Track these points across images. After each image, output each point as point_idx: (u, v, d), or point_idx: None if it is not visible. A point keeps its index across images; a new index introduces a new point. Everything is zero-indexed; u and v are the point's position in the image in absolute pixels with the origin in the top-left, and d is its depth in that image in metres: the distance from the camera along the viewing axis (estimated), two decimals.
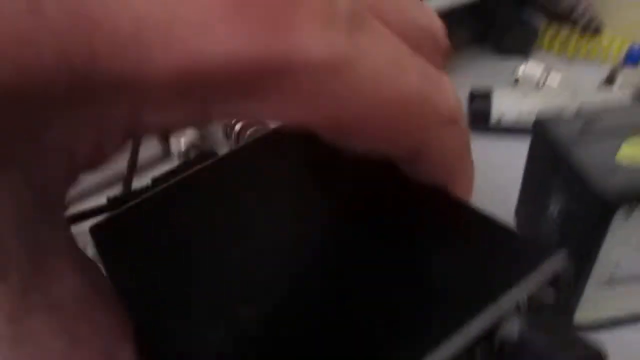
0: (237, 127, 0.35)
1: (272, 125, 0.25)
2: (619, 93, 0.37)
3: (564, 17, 0.42)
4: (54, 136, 0.11)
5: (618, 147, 0.24)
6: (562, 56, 0.45)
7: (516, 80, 0.41)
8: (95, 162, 0.12)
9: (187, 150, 0.36)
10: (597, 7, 0.48)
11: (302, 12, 0.10)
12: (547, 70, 0.40)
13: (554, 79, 0.40)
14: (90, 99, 0.10)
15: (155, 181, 0.28)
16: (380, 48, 0.12)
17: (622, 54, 0.42)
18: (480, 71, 0.44)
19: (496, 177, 0.34)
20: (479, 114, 0.37)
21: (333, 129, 0.12)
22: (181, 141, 0.36)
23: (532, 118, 0.28)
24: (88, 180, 0.34)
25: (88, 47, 0.09)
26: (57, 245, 0.12)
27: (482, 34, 0.41)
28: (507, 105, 0.36)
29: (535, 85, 0.40)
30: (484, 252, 0.13)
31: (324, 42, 0.10)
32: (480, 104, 0.37)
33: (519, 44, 0.44)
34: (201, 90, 0.10)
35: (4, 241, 0.11)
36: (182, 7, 0.09)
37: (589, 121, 0.25)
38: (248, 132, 0.34)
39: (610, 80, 0.39)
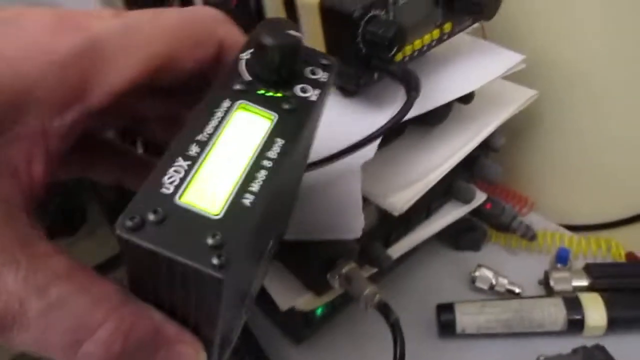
0: None
1: None
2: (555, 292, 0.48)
3: (504, 227, 0.52)
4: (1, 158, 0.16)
5: None
6: (507, 247, 0.55)
7: (473, 280, 0.50)
8: (34, 181, 0.17)
9: None
10: (529, 189, 0.60)
11: None
12: (496, 276, 0.50)
13: (503, 281, 0.50)
14: (9, 118, 0.16)
15: None
16: (138, 13, 0.19)
17: (556, 248, 0.53)
18: (441, 264, 0.54)
19: None
20: (447, 326, 0.46)
21: (162, 72, 0.19)
22: None
23: (490, 327, 0.41)
24: None
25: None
26: (38, 235, 0.16)
27: (439, 234, 0.50)
28: (467, 318, 0.46)
29: (489, 286, 0.50)
30: None
31: (103, 23, 0.18)
32: (446, 316, 0.46)
33: (472, 244, 0.54)
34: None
35: (4, 237, 0.15)
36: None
37: None
38: None
39: (546, 281, 0.49)
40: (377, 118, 0.36)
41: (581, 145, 0.54)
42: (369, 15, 0.31)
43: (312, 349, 0.47)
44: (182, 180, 0.17)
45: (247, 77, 0.20)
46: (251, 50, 0.20)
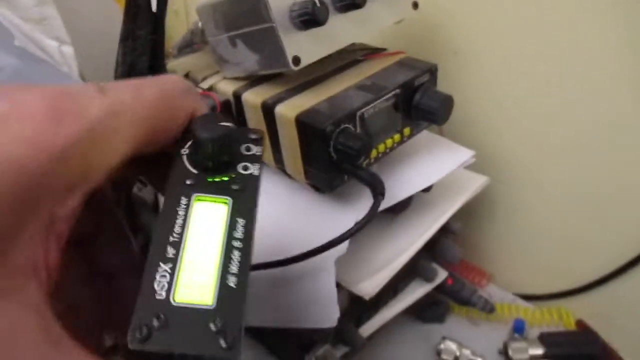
0: None
1: None
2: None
3: (465, 301, 0.56)
4: (19, 254, 0.16)
5: None
6: (469, 319, 0.60)
7: (439, 352, 0.54)
8: (51, 269, 0.18)
9: None
10: (487, 263, 0.65)
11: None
12: (460, 347, 0.54)
13: (466, 352, 0.54)
14: (20, 217, 0.16)
15: None
16: (120, 89, 0.20)
17: (513, 318, 0.57)
18: (408, 337, 0.58)
19: None
20: None
21: (145, 145, 0.21)
22: None
23: None
24: None
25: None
26: (67, 337, 0.17)
27: (405, 309, 0.54)
28: None
29: (453, 358, 0.53)
30: None
31: (95, 104, 0.18)
32: None
33: (436, 317, 0.58)
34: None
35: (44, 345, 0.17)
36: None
37: None
38: None
39: (505, 351, 0.54)
40: (348, 214, 0.40)
41: (530, 223, 0.60)
42: (339, 129, 0.36)
43: None
44: (170, 283, 0.19)
45: (194, 170, 0.22)
46: (189, 145, 0.22)
